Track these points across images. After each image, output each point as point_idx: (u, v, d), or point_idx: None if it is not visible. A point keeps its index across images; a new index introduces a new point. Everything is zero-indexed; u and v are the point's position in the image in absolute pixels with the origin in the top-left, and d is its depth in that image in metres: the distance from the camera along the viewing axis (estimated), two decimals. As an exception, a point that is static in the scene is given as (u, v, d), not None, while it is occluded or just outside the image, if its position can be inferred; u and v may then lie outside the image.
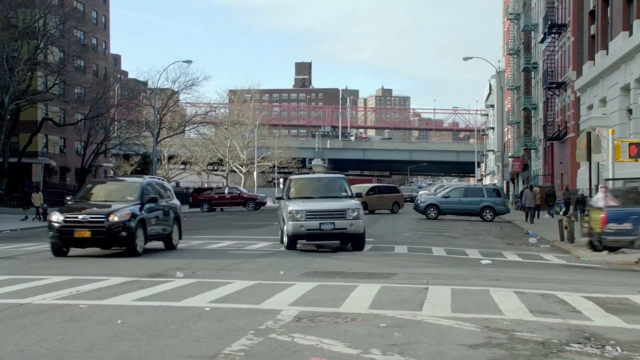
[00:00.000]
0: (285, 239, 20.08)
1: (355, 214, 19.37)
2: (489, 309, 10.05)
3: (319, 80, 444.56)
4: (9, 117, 53.79)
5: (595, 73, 37.80)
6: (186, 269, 14.97)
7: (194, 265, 15.70)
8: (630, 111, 32.35)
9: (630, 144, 21.71)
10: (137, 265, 15.90)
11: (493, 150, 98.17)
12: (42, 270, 14.92)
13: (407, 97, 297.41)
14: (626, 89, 33.05)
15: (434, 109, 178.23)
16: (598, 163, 23.83)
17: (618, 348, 7.72)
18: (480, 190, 44.13)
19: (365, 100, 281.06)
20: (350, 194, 20.89)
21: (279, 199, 22.75)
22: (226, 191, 60.88)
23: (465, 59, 54.40)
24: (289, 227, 19.43)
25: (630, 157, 21.62)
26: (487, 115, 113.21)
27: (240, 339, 7.62)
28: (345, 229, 19.41)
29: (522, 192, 44.19)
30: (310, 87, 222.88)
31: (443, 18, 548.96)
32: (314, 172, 25.80)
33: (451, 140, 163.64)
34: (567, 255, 21.64)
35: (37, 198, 41.05)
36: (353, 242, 20.20)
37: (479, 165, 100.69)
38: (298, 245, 20.52)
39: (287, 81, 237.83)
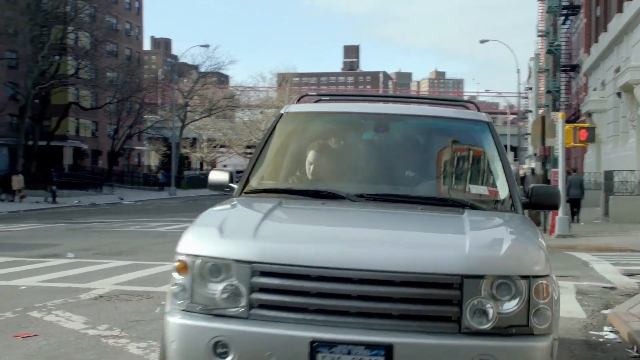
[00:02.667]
0: None
1: (546, 324, 3.54)
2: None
3: (375, 64, 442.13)
4: (37, 100, 55.62)
5: (596, 55, 37.05)
6: (91, 250, 15.60)
7: (104, 248, 16.27)
8: (619, 94, 31.68)
9: (580, 129, 21.40)
10: (35, 246, 16.61)
11: (530, 134, 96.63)
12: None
13: (460, 79, 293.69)
14: (619, 71, 32.32)
15: (477, 92, 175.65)
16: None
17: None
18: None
19: (418, 83, 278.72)
20: (517, 194, 4.73)
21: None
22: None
23: (482, 41, 53.65)
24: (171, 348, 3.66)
25: (580, 141, 21.33)
26: (527, 98, 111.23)
27: (-8, 316, 8.12)
28: None
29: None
30: (358, 70, 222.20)
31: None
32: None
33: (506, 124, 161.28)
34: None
35: (17, 181, 41.23)
36: None
37: (513, 149, 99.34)
38: None
39: (339, 64, 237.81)
